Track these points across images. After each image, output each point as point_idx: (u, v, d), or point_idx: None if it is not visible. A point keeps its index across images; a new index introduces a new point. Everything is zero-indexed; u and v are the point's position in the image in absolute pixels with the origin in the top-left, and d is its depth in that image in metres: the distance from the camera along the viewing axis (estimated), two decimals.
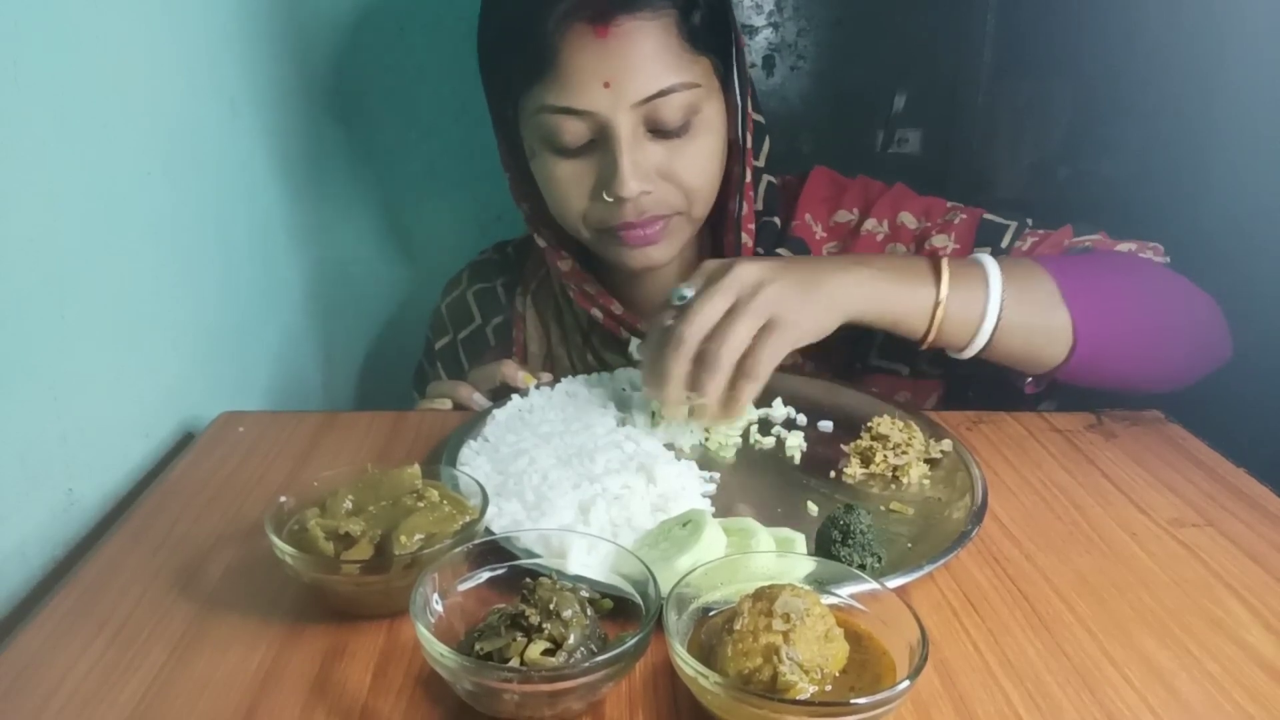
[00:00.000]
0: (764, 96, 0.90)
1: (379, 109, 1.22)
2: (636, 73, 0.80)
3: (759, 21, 1.71)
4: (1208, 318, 0.84)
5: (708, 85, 0.85)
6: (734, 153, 0.90)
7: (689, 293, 0.74)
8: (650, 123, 0.83)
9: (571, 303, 1.01)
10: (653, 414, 0.79)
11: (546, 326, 1.04)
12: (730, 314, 0.71)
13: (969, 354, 0.78)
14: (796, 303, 0.72)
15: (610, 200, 0.84)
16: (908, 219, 0.92)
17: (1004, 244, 0.89)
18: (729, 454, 0.78)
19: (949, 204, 0.93)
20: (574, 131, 0.83)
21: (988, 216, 0.90)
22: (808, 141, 1.83)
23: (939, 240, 0.90)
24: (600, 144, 0.84)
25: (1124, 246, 0.88)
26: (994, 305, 0.75)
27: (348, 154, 1.22)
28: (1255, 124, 1.30)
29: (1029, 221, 0.90)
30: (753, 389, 0.71)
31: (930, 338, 0.76)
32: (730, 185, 0.91)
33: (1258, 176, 1.26)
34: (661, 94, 0.81)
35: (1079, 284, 0.78)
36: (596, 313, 0.96)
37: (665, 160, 0.84)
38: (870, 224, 0.93)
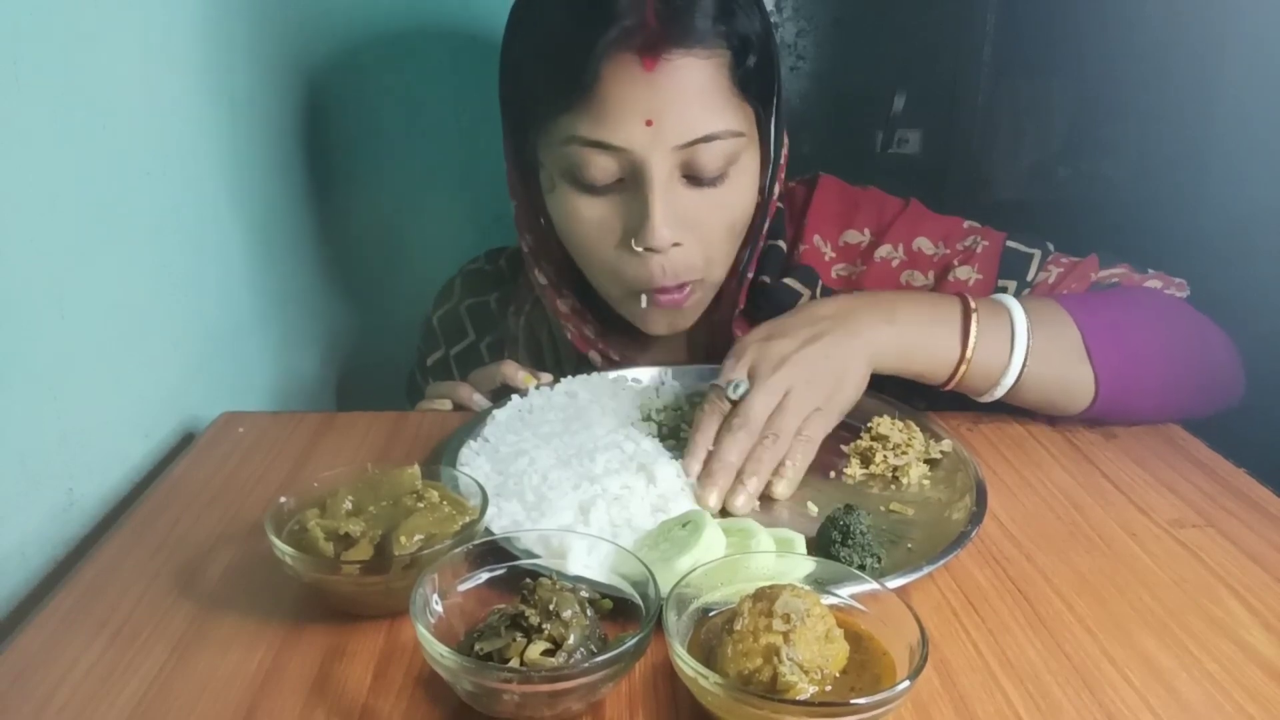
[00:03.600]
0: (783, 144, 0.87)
1: (379, 108, 1.22)
2: (682, 113, 0.75)
3: None
4: (1225, 359, 0.83)
5: (749, 135, 0.81)
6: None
7: (743, 385, 0.72)
8: (687, 168, 0.78)
9: (561, 346, 0.97)
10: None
11: (540, 353, 1.00)
12: (783, 407, 0.70)
13: (987, 400, 0.79)
14: (844, 380, 0.72)
15: (639, 251, 0.79)
16: (925, 244, 0.89)
17: (1030, 275, 0.86)
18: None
19: (966, 224, 0.90)
20: (603, 168, 0.77)
21: (1010, 244, 0.88)
22: (808, 141, 1.83)
23: (962, 272, 0.87)
24: (630, 184, 0.79)
25: (1152, 282, 0.86)
26: (1018, 359, 0.75)
27: (348, 153, 1.21)
28: (1255, 124, 1.30)
29: (1050, 247, 0.88)
30: (803, 461, 0.71)
31: (951, 385, 0.77)
32: (746, 233, 0.88)
33: (1257, 177, 1.26)
34: (705, 139, 0.76)
35: (1104, 335, 0.77)
36: (595, 356, 0.93)
37: (695, 208, 0.79)
38: (885, 250, 0.89)
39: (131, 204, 0.78)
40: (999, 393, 0.77)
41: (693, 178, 0.79)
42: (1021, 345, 0.75)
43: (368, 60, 1.19)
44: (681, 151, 0.77)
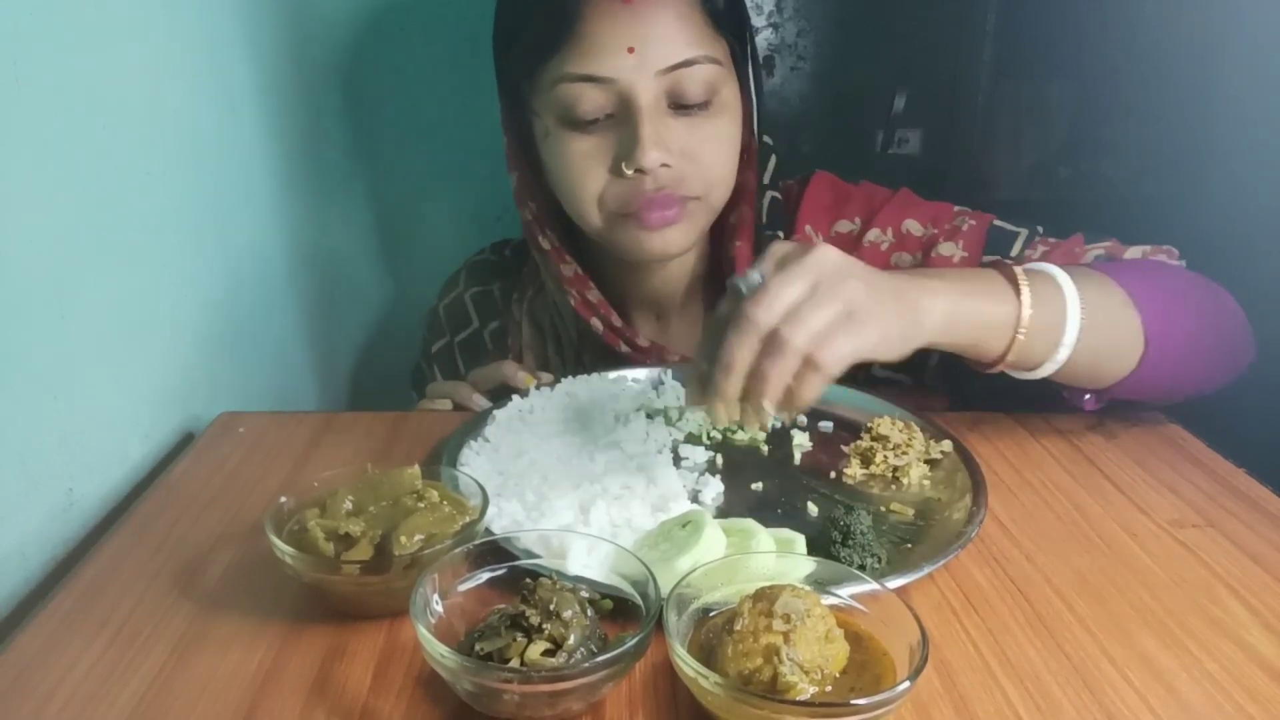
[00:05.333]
0: (764, 97, 0.91)
1: (379, 108, 1.22)
2: (661, 40, 0.79)
3: (759, 22, 1.71)
4: (1238, 319, 0.82)
5: (727, 67, 0.84)
6: (743, 160, 0.89)
7: (758, 278, 0.61)
8: (672, 96, 0.82)
9: (565, 316, 0.98)
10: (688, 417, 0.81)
11: (541, 337, 1.01)
12: (809, 299, 0.60)
13: (1041, 374, 0.72)
14: (881, 302, 0.62)
15: (630, 174, 0.82)
16: (913, 226, 0.90)
17: (1014, 252, 0.87)
18: (759, 437, 0.80)
19: (956, 209, 0.91)
20: (593, 102, 0.81)
21: (997, 223, 0.88)
22: (808, 141, 1.83)
23: (946, 248, 0.88)
24: (620, 118, 0.82)
25: (1134, 251, 0.85)
26: (1073, 323, 0.69)
27: (348, 153, 1.21)
28: (1255, 124, 1.30)
29: (1039, 229, 0.88)
30: (819, 383, 0.60)
31: (1006, 359, 0.70)
32: (737, 194, 0.90)
33: (1258, 176, 1.26)
34: (685, 64, 0.80)
35: (1147, 293, 0.73)
36: (596, 323, 0.94)
37: (685, 137, 0.83)
38: (874, 234, 0.91)
39: (131, 204, 0.78)
40: (1062, 355, 0.70)
41: (678, 105, 0.82)
42: (1074, 304, 0.69)
43: (368, 59, 1.19)
44: (665, 77, 0.80)
